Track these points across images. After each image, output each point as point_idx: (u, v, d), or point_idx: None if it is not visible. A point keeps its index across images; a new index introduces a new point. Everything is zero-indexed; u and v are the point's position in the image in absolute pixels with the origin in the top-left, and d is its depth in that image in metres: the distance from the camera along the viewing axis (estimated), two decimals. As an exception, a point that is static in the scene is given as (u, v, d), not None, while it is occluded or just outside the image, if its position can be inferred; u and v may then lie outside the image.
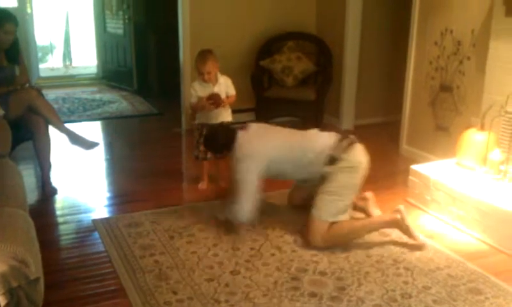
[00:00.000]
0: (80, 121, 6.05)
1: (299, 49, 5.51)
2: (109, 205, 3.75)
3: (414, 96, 4.64)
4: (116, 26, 7.76)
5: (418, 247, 3.09)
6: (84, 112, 6.52)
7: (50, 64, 9.79)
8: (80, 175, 4.32)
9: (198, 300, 2.55)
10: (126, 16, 7.41)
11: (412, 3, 4.53)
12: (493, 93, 3.62)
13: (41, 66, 9.07)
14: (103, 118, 6.29)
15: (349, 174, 3.11)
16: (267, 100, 5.32)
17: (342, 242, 3.11)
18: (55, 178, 4.03)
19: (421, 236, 3.17)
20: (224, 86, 3.89)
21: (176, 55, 5.62)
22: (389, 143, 5.00)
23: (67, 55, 9.74)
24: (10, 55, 3.96)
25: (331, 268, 2.86)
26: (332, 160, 3.10)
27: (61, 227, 3.41)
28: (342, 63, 5.50)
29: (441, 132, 4.36)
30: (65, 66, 9.63)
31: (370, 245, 3.11)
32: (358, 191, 3.21)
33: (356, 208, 3.37)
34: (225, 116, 3.91)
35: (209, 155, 3.87)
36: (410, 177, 3.75)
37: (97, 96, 7.47)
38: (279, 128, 3.39)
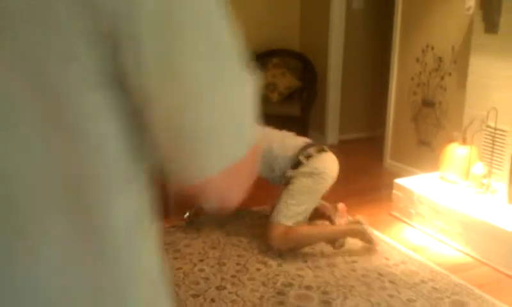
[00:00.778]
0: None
1: (284, 65, 5.56)
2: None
3: (397, 111, 4.70)
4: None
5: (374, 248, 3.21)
6: None
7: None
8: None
9: (184, 316, 2.56)
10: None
11: (394, 20, 4.61)
12: (474, 108, 3.68)
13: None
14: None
15: (310, 180, 3.15)
16: (252, 116, 5.32)
17: (298, 245, 3.17)
18: None
19: (405, 250, 3.21)
20: None
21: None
22: (373, 158, 5.04)
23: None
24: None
25: (317, 282, 2.87)
26: (296, 164, 3.15)
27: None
28: (326, 79, 5.56)
29: (424, 146, 4.42)
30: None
31: (355, 259, 3.13)
32: (318, 198, 3.25)
33: (324, 216, 3.41)
34: None
35: None
36: (394, 191, 3.79)
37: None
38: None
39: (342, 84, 5.60)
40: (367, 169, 4.74)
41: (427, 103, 4.35)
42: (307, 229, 3.21)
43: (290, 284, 2.85)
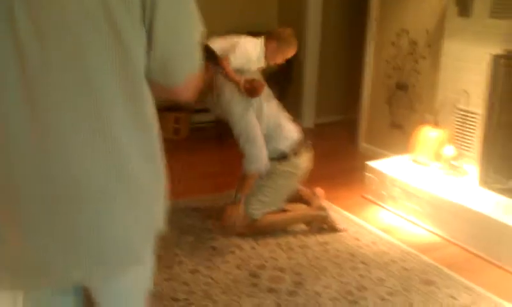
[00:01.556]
0: None
1: (260, 49, 5.56)
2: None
3: (371, 94, 4.74)
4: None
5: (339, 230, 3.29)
6: None
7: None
8: None
9: (157, 299, 2.57)
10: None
11: (369, 5, 4.63)
12: (446, 91, 3.73)
13: None
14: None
15: (289, 179, 3.21)
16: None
17: (259, 232, 3.20)
18: None
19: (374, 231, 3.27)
20: None
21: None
22: (348, 141, 5.09)
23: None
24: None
25: (290, 264, 2.91)
26: (281, 158, 3.16)
27: None
28: (303, 63, 5.57)
29: (396, 129, 4.47)
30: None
31: (327, 241, 3.17)
32: (292, 191, 3.32)
33: (301, 200, 3.46)
34: None
35: None
36: (366, 173, 3.83)
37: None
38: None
39: (319, 68, 5.62)
40: (342, 152, 4.78)
41: (401, 87, 4.40)
42: (270, 218, 3.23)
43: (264, 267, 2.89)
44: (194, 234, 3.24)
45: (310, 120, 5.68)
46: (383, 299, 2.61)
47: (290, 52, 3.30)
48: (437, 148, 3.63)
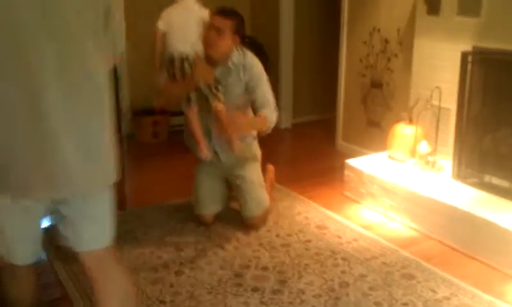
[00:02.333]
0: None
1: (236, 50, 5.59)
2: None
3: (347, 93, 4.82)
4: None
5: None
6: None
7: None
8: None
9: (143, 302, 2.60)
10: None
11: (341, 4, 4.71)
12: (419, 88, 3.82)
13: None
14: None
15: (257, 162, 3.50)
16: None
17: None
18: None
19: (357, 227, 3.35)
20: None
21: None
22: (326, 140, 5.16)
23: None
24: None
25: (273, 263, 2.96)
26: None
27: None
28: (278, 63, 5.63)
29: (373, 127, 4.56)
30: None
31: (309, 239, 3.23)
32: None
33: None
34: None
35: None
36: (345, 172, 3.90)
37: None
38: None
39: (294, 68, 5.69)
40: (320, 151, 4.85)
41: (376, 85, 4.48)
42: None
43: (247, 266, 2.93)
44: (176, 235, 3.27)
45: (287, 120, 5.74)
46: (364, 294, 2.67)
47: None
48: (412, 145, 3.71)
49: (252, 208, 3.32)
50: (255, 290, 2.71)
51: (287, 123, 5.73)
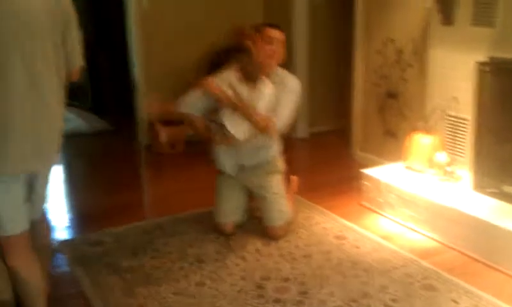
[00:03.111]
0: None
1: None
2: (71, 226, 3.75)
3: (363, 103, 4.83)
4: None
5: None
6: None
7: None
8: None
9: (166, 313, 2.63)
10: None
11: (354, 15, 4.73)
12: (435, 98, 3.83)
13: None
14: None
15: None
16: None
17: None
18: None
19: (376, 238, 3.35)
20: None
21: (128, 70, 5.68)
22: (343, 149, 5.15)
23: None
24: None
25: (294, 274, 2.97)
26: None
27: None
28: (293, 74, 5.64)
29: (390, 136, 4.56)
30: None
31: (329, 250, 3.24)
32: None
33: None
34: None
35: None
36: (363, 181, 3.91)
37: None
38: None
39: (309, 78, 5.70)
40: (337, 161, 4.86)
41: (391, 95, 4.49)
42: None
43: (268, 278, 2.95)
44: (198, 247, 3.30)
45: (304, 130, 5.76)
46: (387, 305, 2.68)
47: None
48: (430, 155, 3.71)
49: (274, 218, 3.34)
50: (276, 301, 2.72)
51: (304, 133, 5.74)
